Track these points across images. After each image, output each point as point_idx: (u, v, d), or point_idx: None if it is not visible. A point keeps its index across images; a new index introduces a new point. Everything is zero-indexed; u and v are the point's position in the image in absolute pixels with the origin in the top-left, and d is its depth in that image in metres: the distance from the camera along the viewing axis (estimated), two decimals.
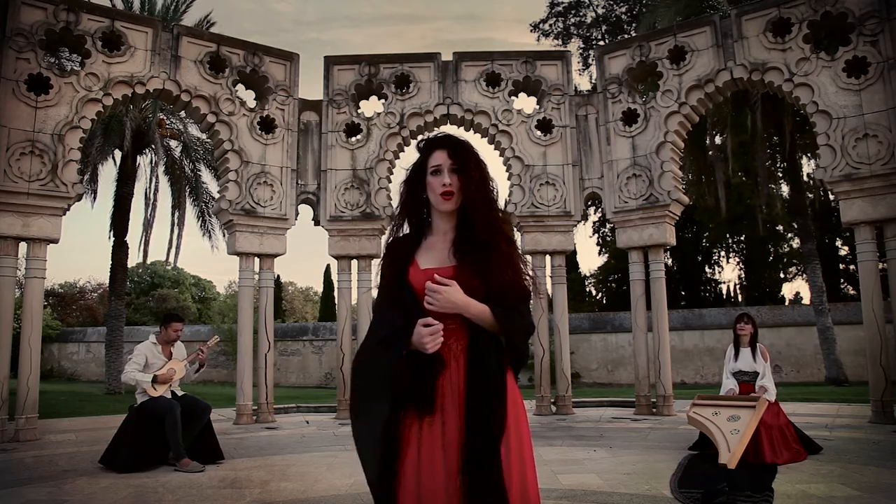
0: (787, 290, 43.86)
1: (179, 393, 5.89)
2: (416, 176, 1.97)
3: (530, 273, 1.93)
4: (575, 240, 10.19)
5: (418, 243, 1.95)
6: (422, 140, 2.02)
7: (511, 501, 1.70)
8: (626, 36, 22.71)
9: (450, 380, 1.79)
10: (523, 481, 1.76)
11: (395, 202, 2.08)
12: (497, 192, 1.97)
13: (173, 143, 18.00)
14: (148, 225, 17.27)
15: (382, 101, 10.02)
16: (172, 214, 18.13)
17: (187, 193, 18.01)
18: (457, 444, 1.73)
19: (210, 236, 18.62)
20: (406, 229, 2.00)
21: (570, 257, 24.52)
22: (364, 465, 1.84)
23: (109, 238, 16.98)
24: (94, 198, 17.33)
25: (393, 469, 1.75)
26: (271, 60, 9.58)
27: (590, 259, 73.65)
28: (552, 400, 9.61)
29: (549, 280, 9.79)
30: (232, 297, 35.47)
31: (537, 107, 9.97)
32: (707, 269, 29.03)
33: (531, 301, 1.99)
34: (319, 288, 35.95)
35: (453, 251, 1.88)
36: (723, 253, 28.85)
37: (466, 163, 1.90)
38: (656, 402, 9.11)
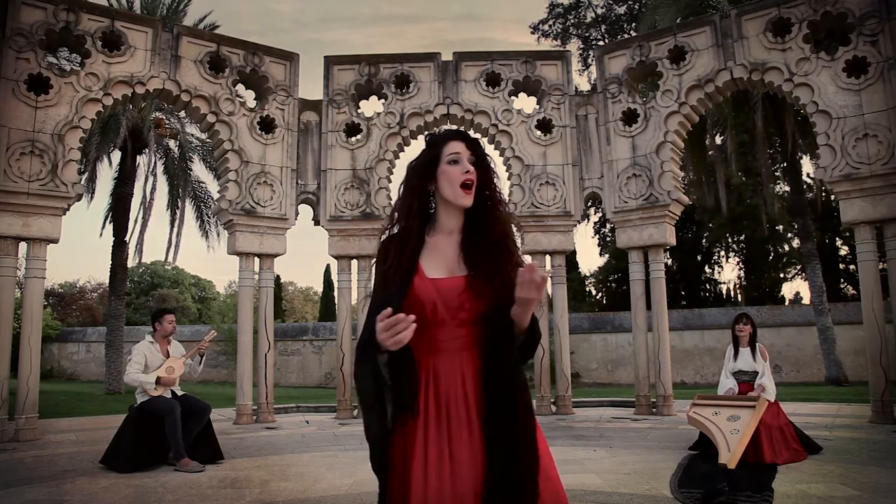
0: (787, 290, 43.94)
1: (179, 393, 5.89)
2: (426, 167, 1.85)
3: None
4: (575, 240, 10.19)
5: (422, 241, 1.83)
6: (430, 134, 1.92)
7: None
8: (625, 36, 22.71)
9: (455, 387, 1.73)
10: (554, 486, 1.72)
11: (395, 200, 1.96)
12: (503, 195, 1.92)
13: (172, 143, 18.02)
14: (144, 224, 17.27)
15: (382, 101, 10.02)
16: (171, 214, 18.16)
17: (186, 193, 18.04)
18: (469, 453, 1.67)
19: (207, 236, 18.66)
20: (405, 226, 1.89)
21: (570, 257, 24.52)
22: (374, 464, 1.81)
23: (101, 236, 17.06)
24: (92, 197, 17.36)
25: (387, 468, 1.72)
26: (271, 60, 9.58)
27: (590, 259, 73.76)
28: (552, 400, 9.60)
29: (549, 280, 9.77)
30: (232, 297, 35.51)
31: (537, 107, 9.97)
32: (707, 269, 29.03)
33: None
34: (319, 288, 35.98)
35: (463, 256, 1.79)
36: (723, 253, 28.86)
37: (485, 157, 1.86)
38: (656, 402, 9.11)
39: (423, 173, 1.85)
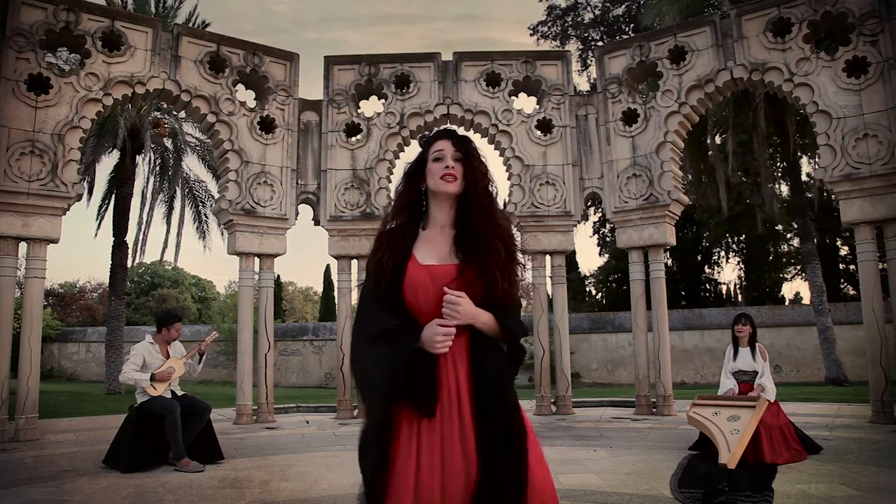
0: (787, 290, 43.94)
1: (179, 393, 5.88)
2: (417, 167, 1.95)
3: (522, 278, 1.93)
4: (575, 240, 10.19)
5: (415, 235, 1.90)
6: (423, 135, 2.02)
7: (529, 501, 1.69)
8: (623, 36, 22.70)
9: (448, 381, 1.76)
10: (543, 481, 1.75)
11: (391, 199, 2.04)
12: (497, 192, 1.94)
13: (170, 143, 18.03)
14: (144, 224, 17.28)
15: (382, 101, 10.02)
16: (169, 214, 18.17)
17: (185, 193, 18.06)
18: (460, 448, 1.71)
19: (205, 237, 18.68)
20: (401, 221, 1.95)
21: (570, 257, 24.53)
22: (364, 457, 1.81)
23: (96, 237, 17.11)
24: (91, 197, 17.39)
25: (387, 463, 1.72)
26: (271, 60, 9.58)
27: (590, 259, 73.69)
28: (552, 400, 9.60)
29: (549, 280, 9.79)
30: (232, 297, 35.48)
31: (537, 107, 9.97)
32: (707, 269, 29.03)
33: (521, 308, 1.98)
34: (319, 288, 35.99)
35: (455, 249, 1.84)
36: (723, 253, 28.85)
37: (470, 152, 1.90)
38: (656, 402, 9.11)
39: (414, 173, 1.94)
